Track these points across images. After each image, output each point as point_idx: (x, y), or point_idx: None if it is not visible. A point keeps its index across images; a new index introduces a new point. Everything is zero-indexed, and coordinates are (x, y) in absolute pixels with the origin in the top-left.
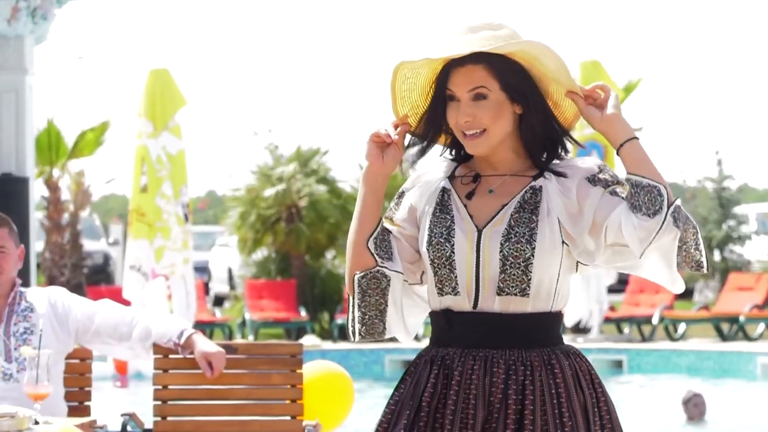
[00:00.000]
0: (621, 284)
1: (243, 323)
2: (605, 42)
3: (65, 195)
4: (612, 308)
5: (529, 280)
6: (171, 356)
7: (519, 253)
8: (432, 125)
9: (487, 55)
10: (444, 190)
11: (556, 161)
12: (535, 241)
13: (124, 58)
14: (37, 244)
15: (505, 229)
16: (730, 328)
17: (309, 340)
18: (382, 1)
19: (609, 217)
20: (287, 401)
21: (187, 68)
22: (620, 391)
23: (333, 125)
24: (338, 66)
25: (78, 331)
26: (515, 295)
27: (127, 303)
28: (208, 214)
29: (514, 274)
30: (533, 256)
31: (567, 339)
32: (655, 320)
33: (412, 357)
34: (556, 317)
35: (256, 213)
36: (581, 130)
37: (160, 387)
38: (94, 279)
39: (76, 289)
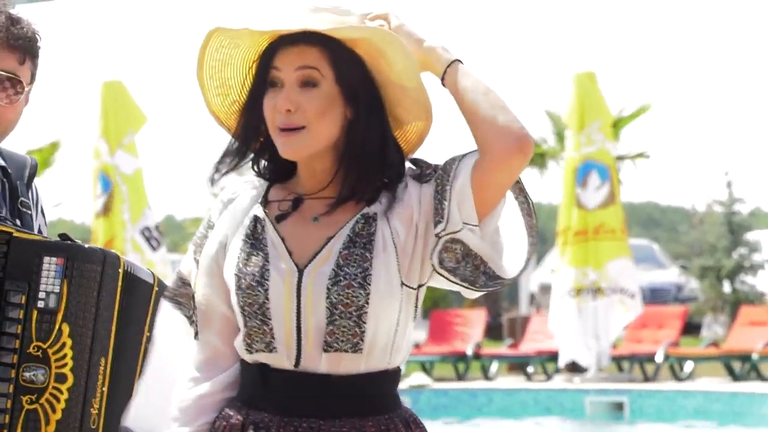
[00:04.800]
0: None
1: None
2: (611, 64)
3: None
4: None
5: (363, 332)
6: None
7: (350, 300)
8: (249, 118)
9: (327, 39)
10: (256, 220)
11: None
12: (369, 284)
13: (77, 70)
14: None
15: (332, 269)
16: (742, 366)
17: None
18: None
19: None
20: None
21: (143, 80)
22: None
23: None
24: None
25: None
26: (346, 351)
27: None
28: (166, 241)
29: (344, 326)
30: (368, 303)
31: (561, 379)
32: (659, 358)
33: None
34: (393, 376)
35: None
36: (579, 149)
37: None
38: None
39: None
